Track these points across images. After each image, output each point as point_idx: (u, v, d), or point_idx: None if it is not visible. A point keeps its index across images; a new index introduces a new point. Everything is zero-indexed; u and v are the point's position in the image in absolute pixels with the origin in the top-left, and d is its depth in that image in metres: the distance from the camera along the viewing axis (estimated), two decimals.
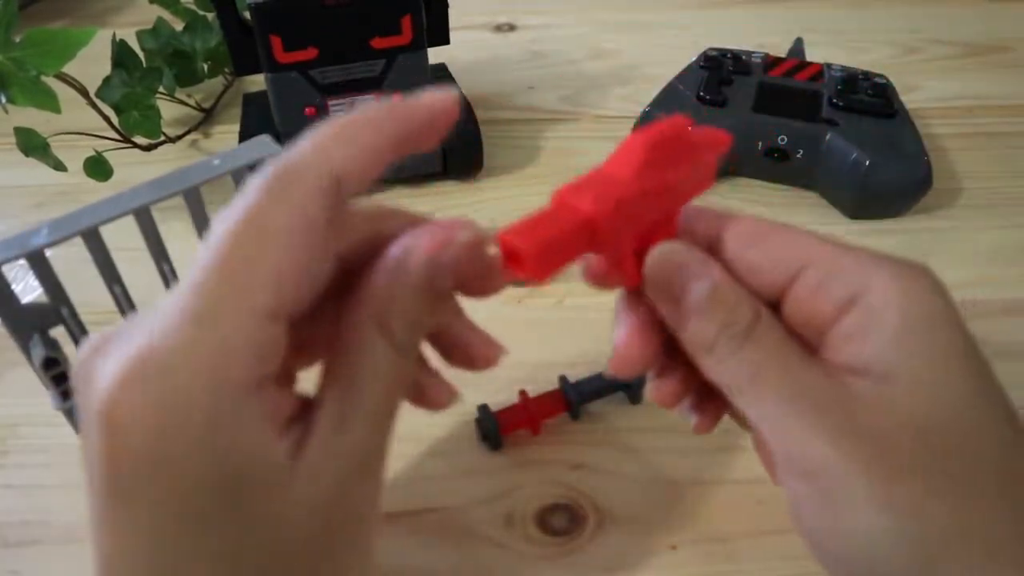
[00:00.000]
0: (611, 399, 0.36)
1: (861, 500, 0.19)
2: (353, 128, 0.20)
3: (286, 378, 0.21)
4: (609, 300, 0.41)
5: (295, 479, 0.18)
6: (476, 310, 0.42)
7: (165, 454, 0.17)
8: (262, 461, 0.18)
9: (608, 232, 0.21)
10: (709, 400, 0.25)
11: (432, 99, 0.22)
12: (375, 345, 0.19)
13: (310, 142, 0.19)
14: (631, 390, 0.35)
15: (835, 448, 0.20)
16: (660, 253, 0.22)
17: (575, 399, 0.34)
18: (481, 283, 0.22)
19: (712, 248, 0.23)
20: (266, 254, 0.18)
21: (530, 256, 0.19)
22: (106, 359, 0.18)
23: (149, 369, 0.17)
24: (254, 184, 0.18)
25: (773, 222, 0.23)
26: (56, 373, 0.32)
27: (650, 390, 0.24)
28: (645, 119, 0.49)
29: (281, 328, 0.18)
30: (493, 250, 0.20)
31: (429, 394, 0.23)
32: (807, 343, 0.22)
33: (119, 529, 0.18)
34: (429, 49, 0.45)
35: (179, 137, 0.54)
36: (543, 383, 0.36)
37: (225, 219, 0.18)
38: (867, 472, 0.19)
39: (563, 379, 0.35)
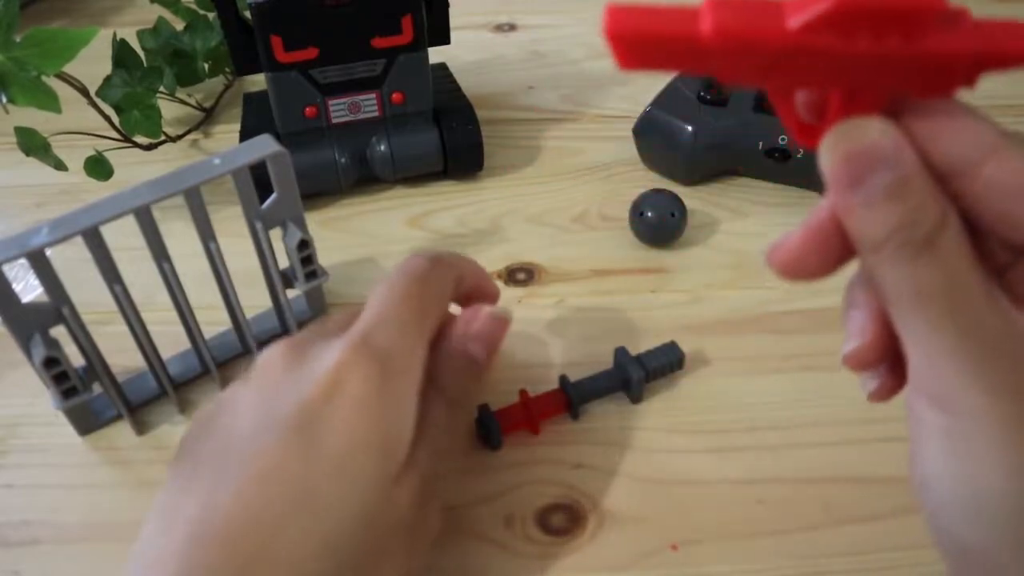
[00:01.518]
0: (611, 399, 0.36)
1: (1000, 457, 0.18)
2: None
3: None
4: (608, 300, 0.41)
5: (407, 478, 0.26)
6: None
7: (384, 400, 0.26)
8: (398, 450, 0.26)
9: (726, 65, 0.18)
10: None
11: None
12: (435, 408, 0.28)
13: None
14: (631, 390, 0.35)
15: (991, 401, 0.18)
16: (846, 126, 0.19)
17: (575, 399, 0.34)
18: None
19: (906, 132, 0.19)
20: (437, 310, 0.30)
21: (614, 37, 0.19)
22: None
23: (378, 351, 0.27)
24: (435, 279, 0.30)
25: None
26: (56, 372, 0.32)
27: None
28: (645, 119, 0.49)
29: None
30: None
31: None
32: (994, 258, 0.19)
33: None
34: (429, 49, 0.45)
35: (180, 137, 0.54)
36: (543, 383, 0.36)
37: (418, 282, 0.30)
38: (1018, 433, 0.18)
39: (563, 379, 0.35)
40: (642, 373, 0.35)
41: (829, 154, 0.19)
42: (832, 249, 0.20)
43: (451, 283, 0.31)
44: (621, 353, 0.36)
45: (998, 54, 0.19)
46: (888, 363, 0.22)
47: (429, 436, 0.27)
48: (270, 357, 0.28)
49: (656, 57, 0.19)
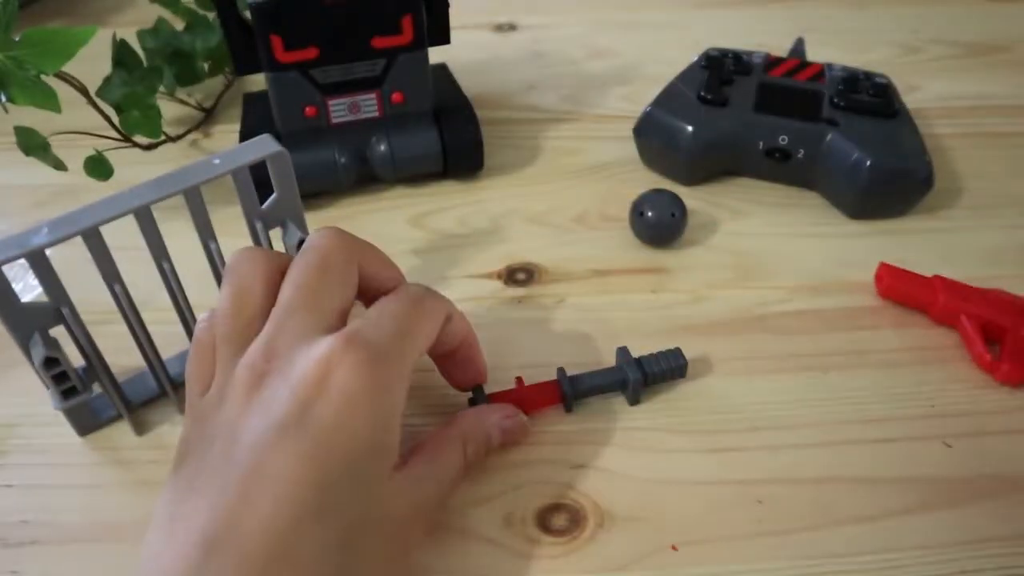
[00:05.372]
0: (612, 399, 0.36)
1: None
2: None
3: None
4: (608, 300, 0.41)
5: (393, 482, 0.27)
6: (477, 310, 0.42)
7: (375, 398, 0.27)
8: (392, 447, 0.27)
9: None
10: None
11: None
12: (455, 450, 0.31)
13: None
14: (627, 392, 0.35)
15: None
16: None
17: (569, 392, 0.34)
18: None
19: None
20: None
21: (881, 279, 0.39)
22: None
23: (370, 344, 0.27)
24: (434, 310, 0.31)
25: None
26: (56, 372, 0.32)
27: None
28: (646, 119, 0.49)
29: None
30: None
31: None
32: None
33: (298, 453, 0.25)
34: (430, 49, 0.45)
35: (179, 136, 0.54)
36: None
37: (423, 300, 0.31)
38: None
39: (560, 371, 0.35)
40: (640, 376, 0.35)
41: None
42: None
43: (441, 317, 0.31)
44: (622, 353, 0.36)
45: None
46: None
47: (432, 457, 0.30)
48: (250, 354, 0.27)
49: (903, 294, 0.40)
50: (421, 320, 0.29)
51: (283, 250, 0.36)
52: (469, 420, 0.32)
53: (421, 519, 0.29)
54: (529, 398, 0.34)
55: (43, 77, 0.36)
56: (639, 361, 0.35)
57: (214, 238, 0.34)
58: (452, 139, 0.47)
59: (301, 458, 0.24)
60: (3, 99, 0.37)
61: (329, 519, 0.24)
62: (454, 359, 0.33)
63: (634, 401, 0.35)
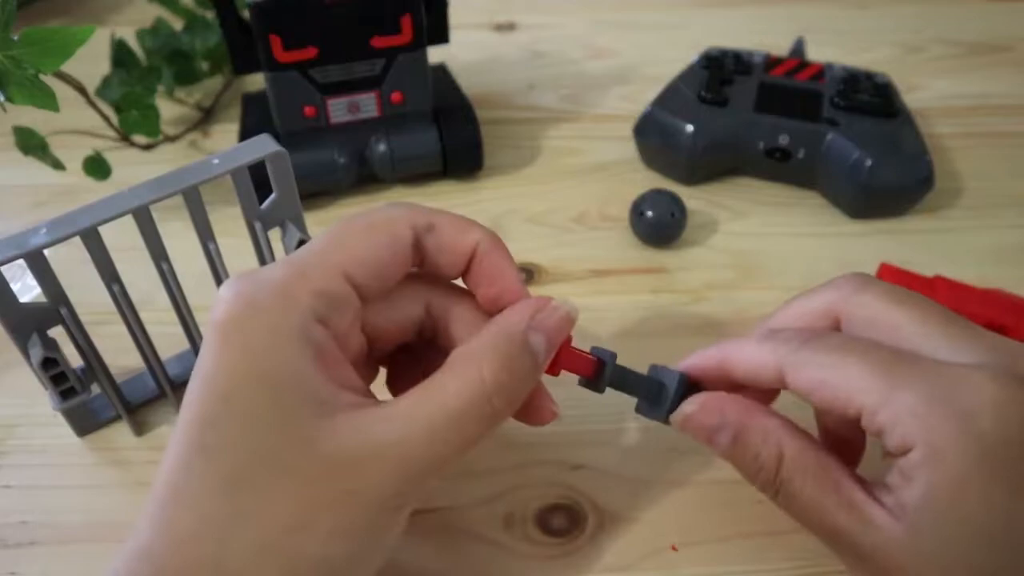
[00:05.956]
0: (611, 399, 0.35)
1: None
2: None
3: (361, 369, 0.27)
4: (608, 300, 0.41)
5: (328, 421, 0.22)
6: None
7: (247, 325, 0.23)
8: (303, 376, 0.23)
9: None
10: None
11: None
12: (461, 376, 0.24)
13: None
14: (651, 409, 0.29)
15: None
16: (683, 409, 0.27)
17: (609, 373, 0.29)
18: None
19: (781, 375, 0.25)
20: (359, 242, 0.25)
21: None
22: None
23: (254, 276, 0.24)
24: (384, 210, 0.26)
25: (830, 350, 0.24)
26: (55, 373, 0.32)
27: None
28: (646, 119, 0.49)
29: (350, 290, 0.24)
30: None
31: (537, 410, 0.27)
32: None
33: (219, 357, 0.23)
34: (429, 48, 0.45)
35: (178, 136, 0.54)
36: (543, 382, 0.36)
37: (350, 217, 0.25)
38: None
39: (601, 349, 0.29)
40: (664, 415, 0.29)
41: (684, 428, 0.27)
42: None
43: (403, 226, 0.25)
44: (666, 375, 0.29)
45: None
46: None
47: (425, 387, 0.24)
48: None
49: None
50: (346, 236, 0.25)
51: (281, 251, 0.36)
52: (488, 332, 0.25)
53: (394, 471, 0.22)
54: (565, 355, 0.27)
55: (41, 76, 0.36)
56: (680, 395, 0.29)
57: (213, 238, 0.34)
58: (451, 139, 0.47)
59: (189, 399, 0.23)
60: (1, 98, 0.37)
61: (215, 457, 0.22)
62: (474, 278, 0.27)
63: (645, 412, 0.29)
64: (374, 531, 0.23)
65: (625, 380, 0.29)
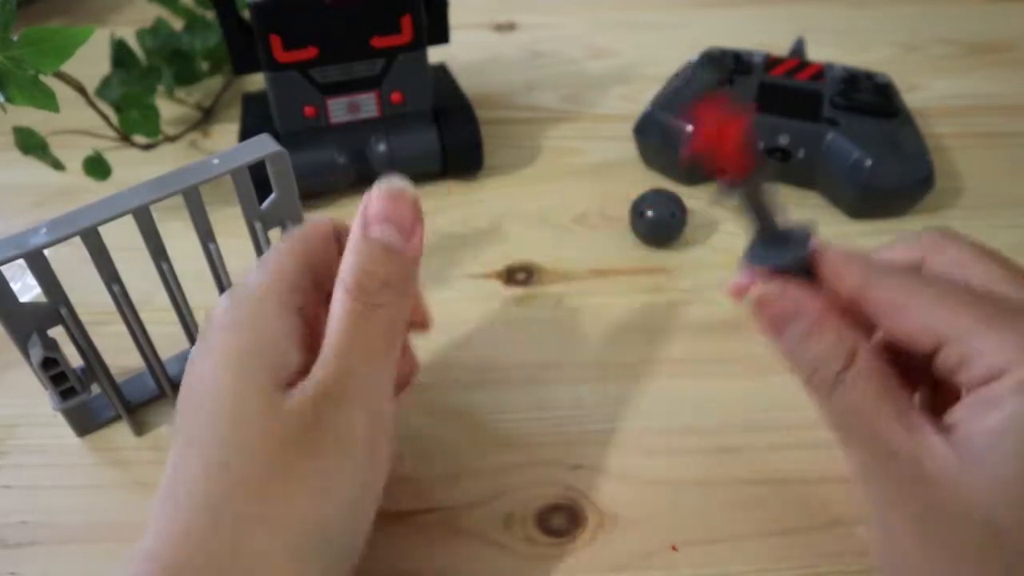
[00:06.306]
0: (612, 399, 0.36)
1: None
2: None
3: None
4: (608, 300, 0.41)
5: (275, 397, 0.24)
6: (477, 310, 0.42)
7: (235, 321, 0.26)
8: (284, 349, 0.25)
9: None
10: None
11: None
12: (338, 299, 0.25)
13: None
14: (776, 258, 0.28)
15: (909, 528, 0.22)
16: (756, 297, 0.27)
17: (758, 180, 0.27)
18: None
19: (857, 301, 0.24)
20: (311, 246, 0.29)
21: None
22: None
23: (243, 284, 0.27)
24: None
25: (918, 279, 0.23)
26: (55, 373, 0.32)
27: None
28: (646, 119, 0.49)
29: (299, 297, 0.27)
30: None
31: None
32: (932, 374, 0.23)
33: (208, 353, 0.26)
34: (429, 48, 0.45)
35: (178, 136, 0.54)
36: (542, 383, 0.36)
37: (280, 246, 0.29)
38: (922, 547, 0.22)
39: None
40: (790, 262, 0.27)
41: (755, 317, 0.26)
42: None
43: (326, 225, 0.30)
44: (796, 233, 0.28)
45: None
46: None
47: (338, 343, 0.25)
48: None
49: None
50: (276, 250, 0.28)
51: None
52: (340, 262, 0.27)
53: (345, 405, 0.24)
54: (730, 143, 0.25)
55: (41, 77, 0.36)
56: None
57: (213, 238, 0.34)
58: (451, 139, 0.47)
59: (179, 394, 0.26)
60: (1, 99, 0.37)
61: (196, 442, 0.24)
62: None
63: (753, 259, 0.28)
64: (358, 474, 0.25)
65: (763, 204, 0.28)
